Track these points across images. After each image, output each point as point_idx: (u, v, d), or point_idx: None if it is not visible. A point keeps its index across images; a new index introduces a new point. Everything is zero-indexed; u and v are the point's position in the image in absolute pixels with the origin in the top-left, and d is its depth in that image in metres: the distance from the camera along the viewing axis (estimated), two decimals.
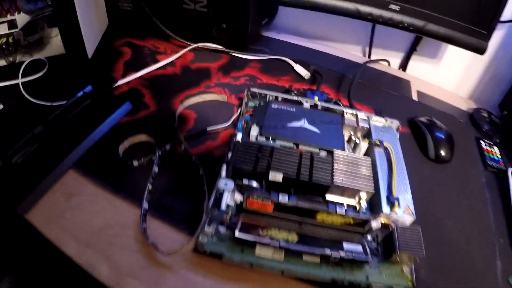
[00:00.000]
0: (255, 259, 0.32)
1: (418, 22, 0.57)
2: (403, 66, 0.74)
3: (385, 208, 0.35)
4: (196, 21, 0.57)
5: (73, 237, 0.33)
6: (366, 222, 0.34)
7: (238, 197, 0.34)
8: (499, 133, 0.62)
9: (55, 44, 0.53)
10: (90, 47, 0.53)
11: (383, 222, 0.35)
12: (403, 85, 0.68)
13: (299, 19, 0.76)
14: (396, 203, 0.36)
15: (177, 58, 0.57)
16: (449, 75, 0.74)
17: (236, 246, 0.32)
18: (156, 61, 0.55)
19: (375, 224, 0.34)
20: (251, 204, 0.34)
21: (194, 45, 0.59)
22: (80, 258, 0.32)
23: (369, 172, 0.38)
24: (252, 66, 0.60)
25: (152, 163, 0.39)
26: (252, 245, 0.32)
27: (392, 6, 0.56)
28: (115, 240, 0.34)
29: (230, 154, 0.38)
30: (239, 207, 0.35)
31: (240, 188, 0.35)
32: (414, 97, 0.65)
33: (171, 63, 0.56)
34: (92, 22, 0.54)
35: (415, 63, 0.74)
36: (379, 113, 0.49)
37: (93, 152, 0.41)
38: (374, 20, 0.58)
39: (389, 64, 0.73)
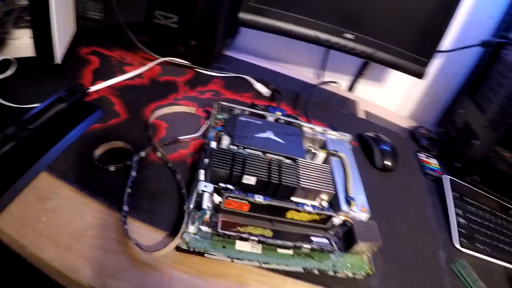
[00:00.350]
0: (236, 254, 0.36)
1: (369, 50, 0.67)
2: (351, 87, 0.85)
3: (344, 206, 0.42)
4: (165, 36, 0.61)
5: (51, 241, 0.33)
6: (329, 218, 0.40)
7: (216, 198, 0.38)
8: (436, 147, 0.74)
9: (17, 46, 0.53)
10: (60, 53, 0.53)
11: (343, 219, 0.41)
12: (351, 104, 0.78)
13: (258, 41, 0.83)
14: (353, 202, 0.42)
15: (146, 70, 0.60)
16: (392, 97, 0.87)
17: (218, 242, 0.36)
18: (124, 72, 0.57)
19: (337, 220, 0.40)
20: (229, 204, 0.38)
21: (162, 59, 0.62)
22: (60, 262, 0.32)
23: (328, 177, 0.44)
24: (216, 82, 0.65)
25: (127, 168, 0.42)
26: (232, 241, 0.36)
27: (347, 35, 0.66)
28: (96, 242, 0.35)
29: (206, 160, 0.42)
30: (217, 208, 0.39)
31: (217, 191, 0.39)
32: (361, 115, 0.75)
33: (139, 75, 0.59)
34: (63, 28, 0.54)
35: (362, 85, 0.86)
36: (333, 127, 0.56)
37: (66, 156, 0.41)
38: (331, 46, 0.67)
39: (339, 86, 0.84)
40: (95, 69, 0.57)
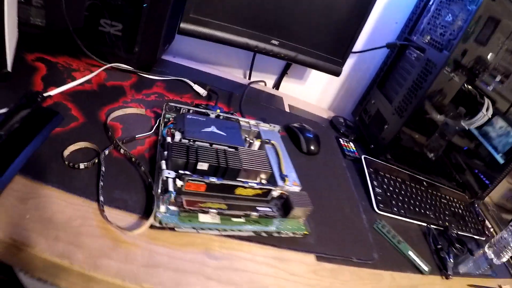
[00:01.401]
0: (200, 225, 0.48)
1: (292, 53, 0.83)
2: (277, 85, 1.02)
3: (280, 182, 0.56)
4: (110, 43, 0.70)
5: (39, 234, 0.40)
6: (269, 192, 0.54)
7: (178, 183, 0.50)
8: (353, 133, 0.94)
9: None
10: (10, 59, 0.59)
11: (280, 192, 0.56)
12: (277, 100, 0.94)
13: (192, 45, 0.95)
14: (287, 179, 0.57)
15: (93, 76, 0.68)
16: (312, 92, 1.06)
17: (185, 217, 0.48)
18: (73, 78, 0.64)
19: (275, 193, 0.55)
20: (189, 186, 0.50)
21: (108, 65, 0.70)
22: (52, 251, 0.39)
23: (265, 160, 0.58)
24: (159, 85, 0.76)
25: (96, 165, 0.51)
26: (195, 215, 0.49)
27: (273, 41, 0.81)
28: (81, 230, 0.42)
29: (165, 153, 0.53)
30: (179, 191, 0.50)
31: (178, 176, 0.50)
32: (287, 109, 0.92)
33: (88, 80, 0.66)
34: (12, 35, 0.60)
35: (285, 83, 1.03)
36: (264, 120, 0.71)
37: (37, 159, 0.49)
38: (260, 51, 0.82)
39: (265, 84, 1.00)
40: (43, 75, 0.63)
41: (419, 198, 0.84)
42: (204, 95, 0.78)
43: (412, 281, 0.62)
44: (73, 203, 0.46)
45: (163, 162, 0.51)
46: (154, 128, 0.62)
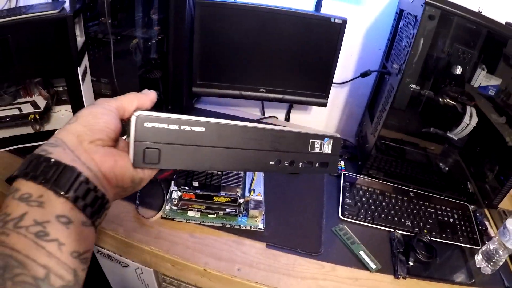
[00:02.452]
0: (188, 218, 0.87)
1: (278, 96, 1.18)
2: (287, 118, 1.37)
3: (247, 193, 0.92)
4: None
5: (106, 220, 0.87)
6: (236, 200, 0.90)
7: (179, 193, 0.90)
8: (348, 152, 1.23)
9: (59, 118, 1.07)
10: None
11: (244, 200, 0.92)
12: None
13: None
14: (252, 191, 0.93)
15: None
16: (319, 119, 1.37)
17: (180, 212, 0.88)
18: None
19: (241, 200, 0.91)
20: (185, 195, 0.90)
21: None
22: (109, 229, 0.86)
23: (240, 179, 0.95)
24: None
25: None
26: (186, 211, 0.88)
27: (261, 89, 1.18)
28: (125, 218, 0.87)
29: (175, 176, 0.94)
30: (179, 197, 0.90)
31: (179, 189, 0.91)
32: None
33: None
34: (89, 103, 1.10)
35: (294, 115, 1.37)
36: None
37: None
38: (253, 99, 1.20)
39: (277, 119, 1.36)
40: None
41: (396, 207, 1.07)
42: None
43: (354, 274, 0.85)
44: (122, 205, 0.89)
45: (173, 181, 0.93)
46: None
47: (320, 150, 0.45)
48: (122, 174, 0.36)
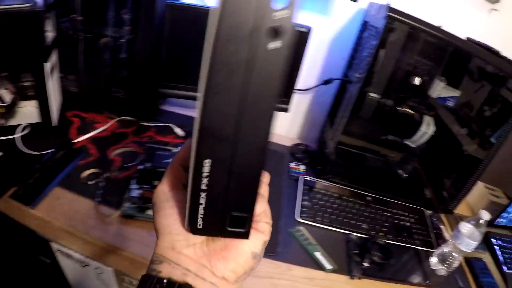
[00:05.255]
0: (148, 216, 1.00)
1: None
2: None
3: None
4: (118, 102, 1.29)
5: (67, 216, 0.98)
6: None
7: (140, 191, 1.03)
8: (309, 157, 1.39)
9: (25, 112, 1.17)
10: (56, 117, 1.20)
11: None
12: None
13: None
14: None
15: (108, 126, 1.27)
16: (282, 124, 1.52)
17: (139, 210, 1.01)
18: (95, 128, 1.24)
19: None
20: (146, 194, 1.03)
21: (118, 118, 1.29)
22: (69, 226, 0.96)
23: None
24: (151, 130, 1.31)
25: (98, 182, 1.07)
26: (145, 209, 1.01)
27: None
28: (86, 214, 0.98)
29: (136, 175, 1.07)
30: (141, 196, 1.03)
31: (141, 188, 1.04)
32: None
33: (105, 129, 1.26)
34: (56, 100, 1.21)
35: None
36: None
37: (68, 178, 1.07)
38: None
39: None
40: (77, 126, 1.24)
41: (353, 211, 1.23)
42: (182, 135, 1.33)
43: (309, 274, 0.98)
44: (84, 202, 1.01)
45: (133, 180, 1.06)
46: (138, 160, 1.17)
47: None
48: (239, 263, 0.38)
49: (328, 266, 1.01)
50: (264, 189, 0.42)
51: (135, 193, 1.02)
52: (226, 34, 0.28)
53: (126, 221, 0.99)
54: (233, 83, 0.29)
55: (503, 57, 1.13)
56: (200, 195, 0.33)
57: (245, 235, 0.36)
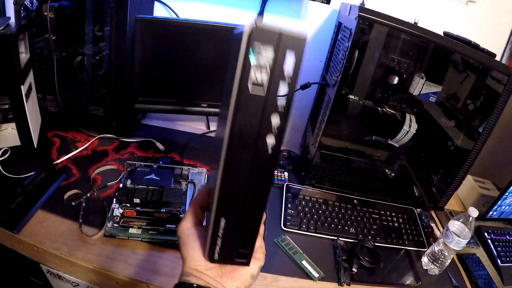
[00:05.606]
0: (130, 235, 1.01)
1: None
2: None
3: (187, 209, 1.08)
4: (97, 120, 1.30)
5: (50, 239, 0.98)
6: (176, 216, 1.05)
7: (121, 210, 1.05)
8: (292, 163, 1.40)
9: (6, 136, 1.19)
10: (35, 139, 1.22)
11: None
12: None
13: None
14: None
15: (89, 145, 1.29)
16: None
17: (122, 230, 1.02)
18: (76, 147, 1.26)
19: (182, 216, 1.06)
20: (127, 212, 1.04)
21: (98, 136, 1.31)
22: (54, 247, 0.98)
23: (181, 195, 1.10)
24: (132, 146, 1.33)
25: (81, 202, 1.09)
26: (127, 229, 1.03)
27: (203, 104, 1.34)
28: (69, 236, 1.00)
29: (117, 193, 1.09)
30: (121, 214, 1.05)
31: (121, 207, 1.05)
32: None
33: (85, 148, 1.27)
34: (34, 121, 1.22)
35: None
36: (194, 166, 1.23)
37: (50, 200, 1.08)
38: (195, 114, 1.35)
39: None
40: (58, 147, 1.25)
41: (340, 215, 1.23)
42: (163, 149, 1.34)
43: (297, 284, 0.99)
44: (68, 224, 1.03)
45: (115, 199, 1.07)
46: (119, 178, 1.18)
47: None
48: (242, 281, 0.54)
49: (315, 274, 1.02)
50: (261, 228, 0.53)
51: (117, 212, 1.03)
52: (236, 142, 0.41)
53: (109, 240, 1.00)
54: (241, 174, 0.43)
55: (483, 50, 1.14)
56: (217, 239, 0.47)
57: (247, 263, 0.51)
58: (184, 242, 0.53)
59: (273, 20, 1.34)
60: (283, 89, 0.39)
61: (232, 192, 0.44)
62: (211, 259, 0.49)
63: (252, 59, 0.37)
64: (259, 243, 0.55)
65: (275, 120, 0.41)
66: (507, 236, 1.38)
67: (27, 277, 1.20)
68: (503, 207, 1.40)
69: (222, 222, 0.46)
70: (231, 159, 0.42)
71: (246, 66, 0.37)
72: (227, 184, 0.44)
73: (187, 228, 0.54)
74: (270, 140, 0.41)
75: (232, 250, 0.49)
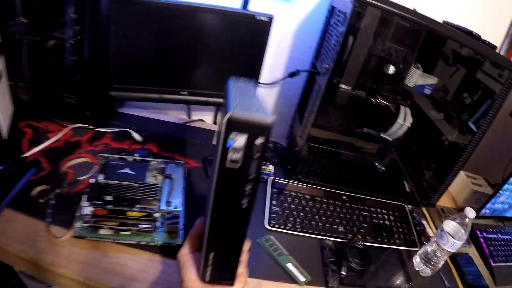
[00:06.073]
0: (101, 236, 0.97)
1: (201, 99, 1.28)
2: (216, 121, 1.47)
3: (163, 206, 1.03)
4: (71, 109, 1.24)
5: (16, 240, 0.93)
6: (151, 214, 1.01)
7: (91, 209, 0.99)
8: (278, 156, 1.34)
9: None
10: (6, 129, 1.15)
11: (160, 214, 1.02)
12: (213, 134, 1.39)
13: None
14: (169, 204, 1.03)
15: (62, 135, 1.22)
16: None
17: (92, 230, 0.97)
18: (48, 138, 1.19)
19: (156, 214, 1.01)
20: (97, 211, 0.99)
21: (72, 126, 1.24)
22: (20, 250, 0.92)
23: (157, 190, 1.04)
24: (107, 136, 1.27)
25: (50, 199, 1.03)
26: (97, 229, 0.98)
27: (182, 92, 1.27)
28: (36, 237, 0.95)
29: (87, 190, 1.03)
30: (93, 214, 1.00)
31: (92, 205, 1.00)
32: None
33: (58, 139, 1.21)
34: (5, 111, 1.16)
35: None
36: (185, 156, 1.17)
37: (17, 197, 1.03)
38: (174, 102, 1.29)
39: (204, 121, 1.46)
40: (30, 138, 1.19)
41: (328, 213, 1.19)
42: (140, 140, 1.28)
43: None
44: (35, 223, 0.97)
45: (84, 196, 1.02)
46: (91, 172, 1.12)
47: None
48: None
49: (302, 278, 0.98)
50: (244, 257, 0.66)
51: (87, 210, 0.98)
52: (219, 202, 0.55)
53: (79, 242, 0.95)
54: (224, 223, 0.58)
55: (484, 41, 1.08)
56: (208, 267, 0.61)
57: (232, 284, 0.64)
58: (182, 266, 0.65)
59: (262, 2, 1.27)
60: (253, 163, 0.51)
61: (217, 235, 0.59)
62: (204, 280, 0.63)
63: (230, 144, 0.49)
64: (242, 270, 0.66)
65: (248, 186, 0.53)
66: (499, 235, 1.35)
67: (1, 277, 1.15)
68: (496, 205, 1.37)
69: (211, 255, 0.60)
70: (216, 213, 0.56)
71: (225, 149, 0.49)
72: (214, 229, 0.58)
73: (185, 254, 0.67)
74: (244, 200, 0.55)
75: (219, 275, 0.63)
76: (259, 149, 0.51)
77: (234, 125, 0.49)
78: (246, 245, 0.69)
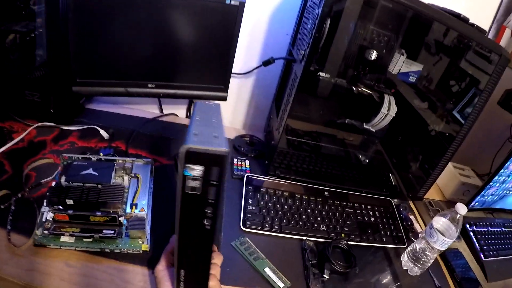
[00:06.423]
0: (62, 243, 0.93)
1: (170, 91, 1.22)
2: (188, 115, 1.42)
3: (128, 209, 0.98)
4: (35, 107, 1.19)
5: None
6: (115, 218, 0.96)
7: (52, 214, 0.95)
8: (254, 150, 1.29)
9: None
10: None
11: (125, 217, 0.97)
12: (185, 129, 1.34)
13: None
14: (134, 207, 0.99)
15: (25, 135, 1.18)
16: (223, 114, 1.41)
17: (52, 238, 0.93)
18: (13, 139, 1.15)
19: (121, 218, 0.97)
20: (58, 216, 0.95)
21: (36, 125, 1.20)
22: None
23: (121, 192, 0.99)
24: (74, 135, 1.22)
25: (10, 205, 0.99)
26: (59, 237, 0.94)
27: (149, 85, 1.22)
28: None
29: (48, 193, 0.99)
30: (54, 220, 0.95)
31: (52, 210, 0.95)
32: None
33: (21, 140, 1.16)
34: None
35: None
36: (155, 153, 1.12)
37: None
38: (140, 95, 1.23)
39: (177, 116, 1.40)
40: None
41: (309, 211, 1.14)
42: (107, 138, 1.23)
43: None
44: None
45: (45, 200, 0.97)
46: (56, 174, 1.08)
47: None
48: None
49: (280, 284, 0.93)
50: (216, 270, 0.76)
51: (47, 216, 0.94)
52: (184, 225, 0.64)
53: (40, 251, 0.91)
54: (191, 243, 0.65)
55: (473, 25, 1.02)
56: (181, 282, 0.69)
57: None
58: (159, 281, 0.74)
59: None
60: (211, 189, 0.57)
61: (185, 253, 0.65)
62: None
63: (188, 173, 0.56)
64: (214, 283, 0.73)
65: (208, 209, 0.60)
66: (490, 228, 1.31)
67: None
68: (486, 197, 1.32)
69: (182, 272, 0.67)
70: (182, 234, 0.63)
71: (184, 177, 0.56)
72: (181, 248, 0.65)
73: (161, 270, 0.75)
74: (207, 221, 0.62)
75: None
76: (215, 177, 0.57)
77: (191, 157, 0.55)
78: (218, 260, 0.79)
